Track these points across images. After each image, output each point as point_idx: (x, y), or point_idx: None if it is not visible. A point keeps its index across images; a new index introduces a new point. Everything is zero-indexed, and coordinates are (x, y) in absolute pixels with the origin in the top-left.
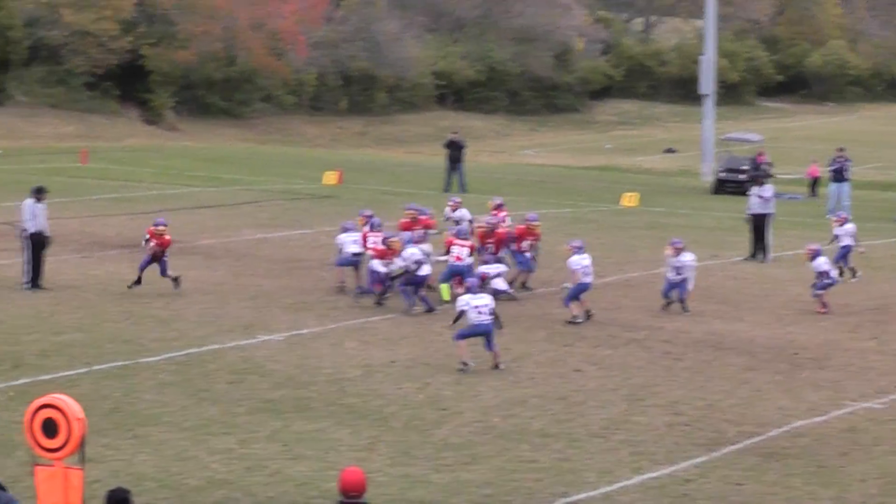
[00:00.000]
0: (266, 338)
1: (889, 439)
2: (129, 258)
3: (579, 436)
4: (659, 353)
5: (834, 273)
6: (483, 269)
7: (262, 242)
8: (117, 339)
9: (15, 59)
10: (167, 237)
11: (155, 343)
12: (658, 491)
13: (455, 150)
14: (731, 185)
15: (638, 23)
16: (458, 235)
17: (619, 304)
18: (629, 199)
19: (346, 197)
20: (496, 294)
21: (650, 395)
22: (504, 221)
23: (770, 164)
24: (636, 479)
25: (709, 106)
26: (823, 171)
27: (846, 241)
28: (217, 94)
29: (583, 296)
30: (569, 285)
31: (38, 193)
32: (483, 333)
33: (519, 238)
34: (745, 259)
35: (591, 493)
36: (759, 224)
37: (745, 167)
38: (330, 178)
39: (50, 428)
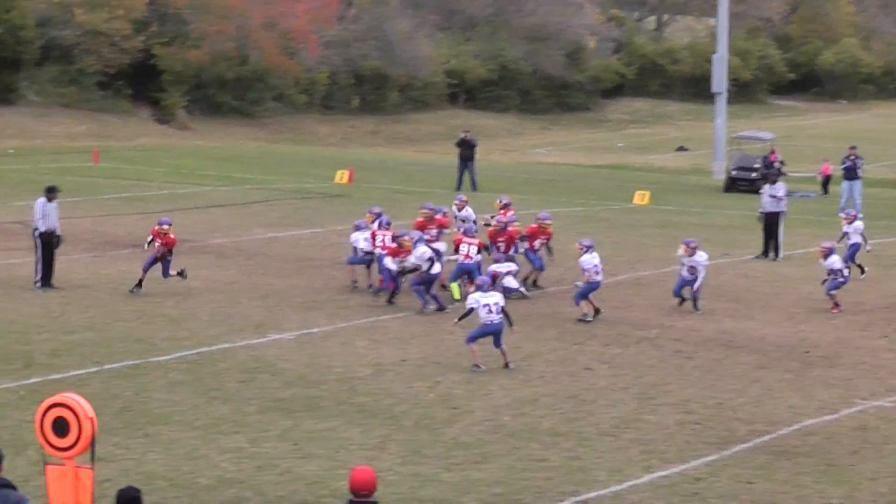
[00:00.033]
0: (277, 337)
1: None
2: (140, 257)
3: (589, 434)
4: (670, 351)
5: (847, 271)
6: (494, 267)
7: (273, 241)
8: (128, 338)
9: (27, 59)
10: (172, 236)
11: (166, 342)
12: (668, 490)
13: (466, 149)
14: (742, 184)
15: (650, 21)
16: (467, 234)
17: (631, 302)
18: (641, 198)
19: (357, 196)
20: (507, 292)
21: (661, 393)
22: (514, 221)
23: (782, 163)
24: (646, 478)
25: (721, 104)
26: (835, 170)
27: (855, 239)
28: (229, 94)
29: (591, 294)
30: (580, 283)
31: (50, 192)
32: (493, 333)
33: (531, 237)
34: (757, 257)
35: (602, 492)
36: (771, 222)
37: (756, 165)
38: (341, 176)
39: (61, 427)
